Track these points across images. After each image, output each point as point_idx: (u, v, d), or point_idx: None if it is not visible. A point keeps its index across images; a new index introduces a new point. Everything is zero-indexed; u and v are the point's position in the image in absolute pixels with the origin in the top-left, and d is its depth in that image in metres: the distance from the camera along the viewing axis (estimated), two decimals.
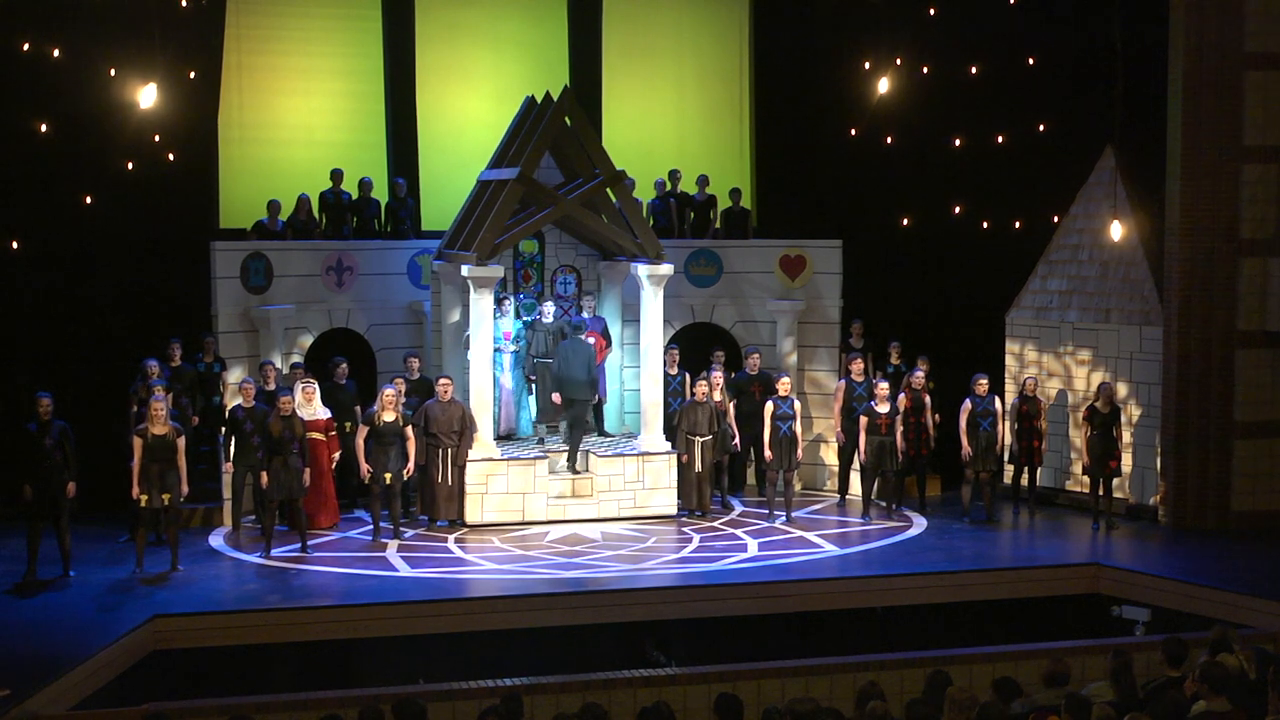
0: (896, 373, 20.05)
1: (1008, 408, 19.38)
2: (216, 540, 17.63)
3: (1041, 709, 9.94)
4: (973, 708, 9.22)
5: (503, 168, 19.14)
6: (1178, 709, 9.45)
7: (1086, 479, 18.83)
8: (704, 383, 18.74)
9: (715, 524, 18.48)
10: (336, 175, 20.51)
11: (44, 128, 18.90)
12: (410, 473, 17.76)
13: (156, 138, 19.12)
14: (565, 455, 18.73)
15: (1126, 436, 19.04)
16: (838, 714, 9.50)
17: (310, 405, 17.72)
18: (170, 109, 18.05)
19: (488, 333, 18.43)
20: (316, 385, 17.99)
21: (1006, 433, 19.14)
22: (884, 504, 19.10)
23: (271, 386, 18.13)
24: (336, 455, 18.02)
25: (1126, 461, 19.01)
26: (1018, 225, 21.91)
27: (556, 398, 18.71)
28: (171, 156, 19.56)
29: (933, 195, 22.14)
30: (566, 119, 18.89)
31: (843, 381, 19.67)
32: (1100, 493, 18.51)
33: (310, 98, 21.54)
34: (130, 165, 19.27)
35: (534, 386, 19.39)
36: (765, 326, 20.76)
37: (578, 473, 18.66)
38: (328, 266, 19.98)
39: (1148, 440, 19.19)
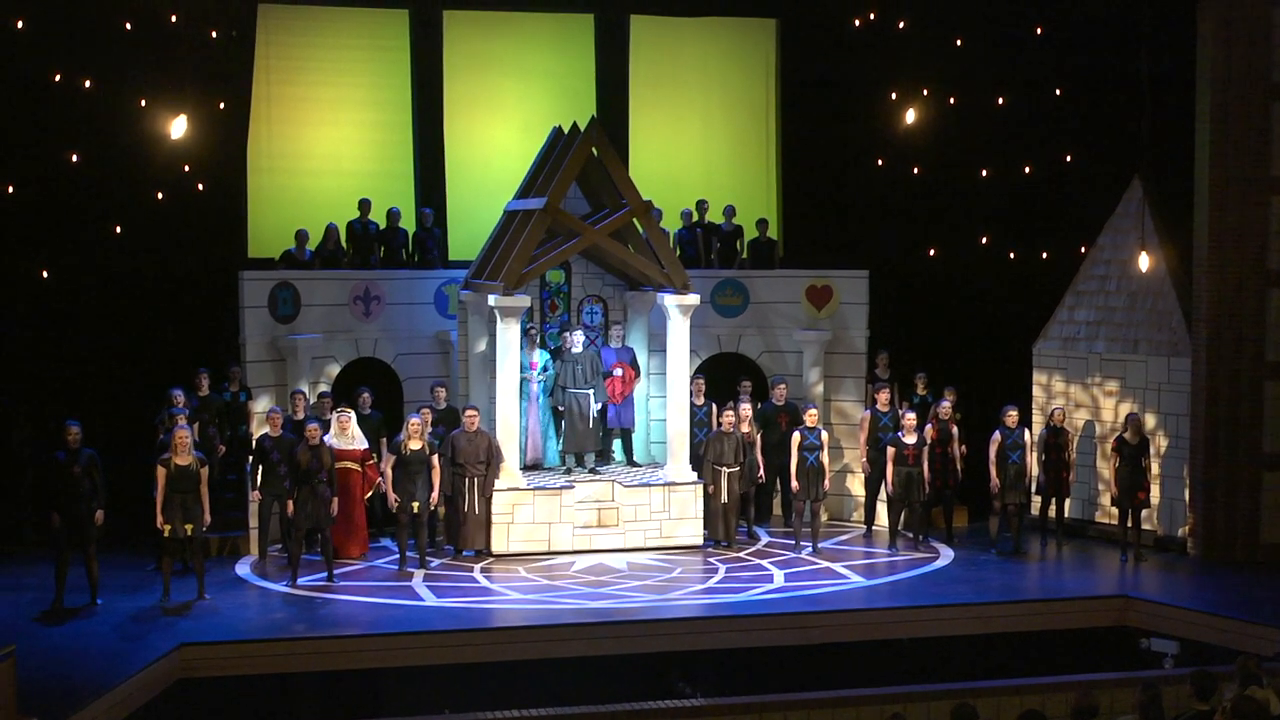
0: (923, 403, 20.00)
1: (1035, 438, 19.30)
2: (243, 569, 17.67)
3: None
4: None
5: (530, 198, 19.18)
6: None
7: (1115, 510, 18.74)
8: (731, 413, 18.72)
9: (741, 554, 18.44)
10: (364, 205, 20.59)
11: (75, 158, 19.11)
12: (435, 502, 17.77)
13: (186, 168, 19.30)
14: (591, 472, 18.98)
15: (1155, 468, 18.92)
16: None
17: (346, 434, 17.76)
18: (200, 139, 18.19)
19: (514, 363, 18.47)
20: (353, 414, 18.04)
21: (1034, 464, 19.07)
22: (911, 535, 19.04)
23: (300, 416, 18.16)
24: (379, 482, 17.99)
25: (1155, 493, 18.90)
26: (1045, 256, 21.90)
27: None
28: (201, 186, 19.74)
29: (960, 226, 22.14)
30: (594, 149, 18.91)
31: (868, 412, 19.63)
32: (1129, 524, 18.41)
33: (338, 128, 21.65)
34: (160, 195, 19.46)
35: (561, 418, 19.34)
36: (792, 357, 20.73)
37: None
38: (355, 296, 20.04)
39: (1176, 472, 19.08)
